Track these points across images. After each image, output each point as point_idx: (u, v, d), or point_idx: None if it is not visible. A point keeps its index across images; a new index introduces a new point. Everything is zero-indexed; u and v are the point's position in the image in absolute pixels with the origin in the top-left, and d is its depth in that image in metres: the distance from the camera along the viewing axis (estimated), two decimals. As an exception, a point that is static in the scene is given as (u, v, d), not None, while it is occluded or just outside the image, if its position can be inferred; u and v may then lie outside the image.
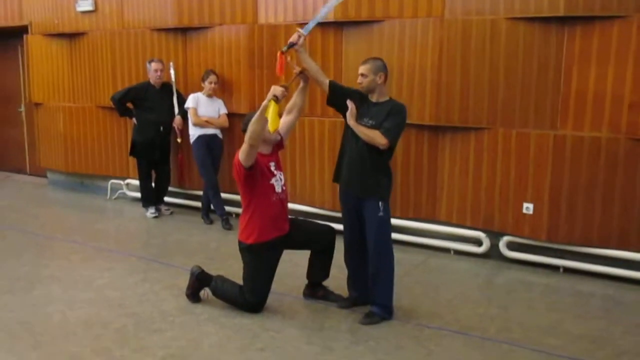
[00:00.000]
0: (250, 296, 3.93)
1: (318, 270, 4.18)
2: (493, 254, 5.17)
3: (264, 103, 3.60)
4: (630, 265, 4.62)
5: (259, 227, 3.85)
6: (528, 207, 4.90)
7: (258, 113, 3.59)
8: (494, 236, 5.15)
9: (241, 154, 3.67)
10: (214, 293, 4.08)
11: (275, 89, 3.62)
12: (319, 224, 4.27)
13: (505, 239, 5.08)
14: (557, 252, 4.91)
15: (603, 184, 4.62)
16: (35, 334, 3.64)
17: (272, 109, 3.59)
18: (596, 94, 4.58)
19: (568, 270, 4.86)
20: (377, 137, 3.66)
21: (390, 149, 3.81)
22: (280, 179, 3.95)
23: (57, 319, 3.87)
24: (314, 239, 4.12)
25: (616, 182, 4.58)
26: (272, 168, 3.91)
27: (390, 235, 3.95)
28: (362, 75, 3.80)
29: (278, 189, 3.90)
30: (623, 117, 4.50)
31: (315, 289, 4.23)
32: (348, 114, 3.80)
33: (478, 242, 5.22)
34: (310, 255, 4.18)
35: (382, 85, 3.82)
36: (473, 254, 5.23)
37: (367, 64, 3.80)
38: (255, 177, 3.77)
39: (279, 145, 4.09)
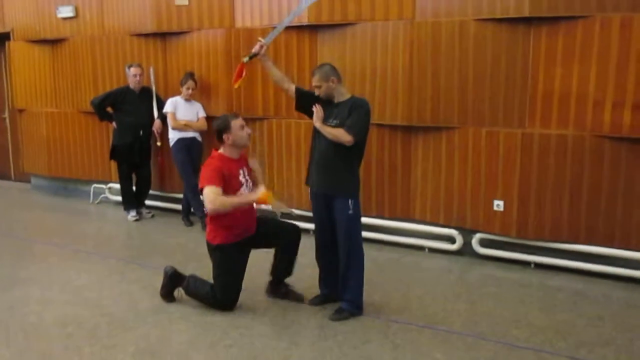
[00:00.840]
0: (220, 294, 4.01)
1: (282, 267, 4.24)
2: (466, 251, 5.26)
3: (251, 198, 3.82)
4: (598, 260, 4.71)
5: (225, 231, 3.94)
6: (499, 205, 5.00)
7: (239, 201, 3.80)
8: (467, 233, 5.24)
9: (210, 206, 3.75)
10: (187, 292, 4.16)
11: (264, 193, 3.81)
12: (284, 222, 4.35)
13: (478, 236, 5.17)
14: (528, 248, 5.01)
15: (570, 180, 4.72)
16: (9, 333, 3.71)
17: (271, 198, 3.82)
18: (562, 92, 4.68)
19: (539, 266, 4.95)
20: (341, 135, 3.74)
21: (358, 147, 3.88)
22: (249, 187, 4.01)
23: (33, 319, 3.93)
24: (280, 237, 4.19)
25: (583, 178, 4.68)
26: (241, 176, 3.98)
27: (359, 233, 4.01)
28: (316, 87, 3.91)
29: None
30: (588, 115, 4.61)
31: (278, 286, 4.29)
32: (314, 116, 3.90)
33: (451, 240, 5.31)
34: (275, 252, 4.25)
35: (337, 87, 3.90)
36: (447, 252, 5.32)
37: (316, 74, 3.90)
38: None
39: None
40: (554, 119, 4.75)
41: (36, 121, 7.85)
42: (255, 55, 4.07)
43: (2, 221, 6.59)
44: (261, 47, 4.06)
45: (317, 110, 3.88)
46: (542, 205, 4.84)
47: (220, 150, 4.01)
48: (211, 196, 3.72)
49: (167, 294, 4.22)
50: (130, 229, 6.32)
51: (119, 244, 5.84)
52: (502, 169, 4.94)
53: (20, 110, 8.05)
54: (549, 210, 4.82)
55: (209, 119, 6.25)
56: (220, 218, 3.90)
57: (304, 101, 4.04)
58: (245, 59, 4.09)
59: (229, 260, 3.98)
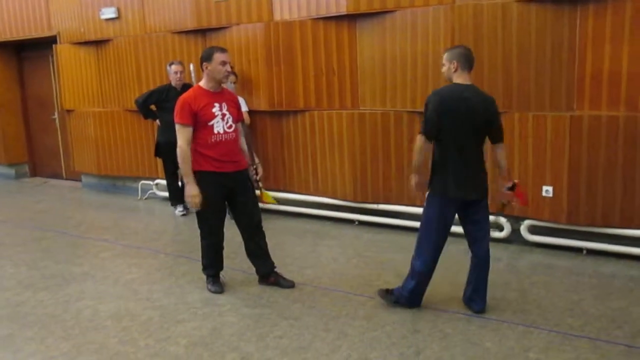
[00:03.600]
0: (200, 225, 4.22)
1: (260, 263, 4.39)
2: (515, 238, 5.17)
3: (189, 181, 4.06)
4: (654, 245, 4.57)
5: (200, 159, 4.05)
6: (548, 190, 4.88)
7: (185, 175, 4.05)
8: (515, 221, 5.14)
9: (177, 137, 4.02)
10: (202, 263, 4.41)
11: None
12: (258, 205, 4.37)
13: (527, 222, 5.07)
14: (579, 234, 4.88)
15: (622, 163, 4.57)
16: (66, 327, 3.84)
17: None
18: (612, 72, 4.53)
19: (591, 252, 4.83)
20: None
21: (439, 142, 3.67)
22: (225, 121, 4.07)
23: (88, 312, 4.06)
24: (246, 210, 4.25)
25: (636, 160, 4.52)
26: (215, 109, 4.04)
27: (425, 226, 3.84)
28: (442, 64, 3.78)
29: (219, 129, 4.04)
30: (640, 95, 4.45)
31: (266, 276, 4.40)
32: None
33: (499, 227, 5.22)
34: (245, 248, 4.39)
35: (455, 73, 3.68)
36: (495, 239, 5.20)
37: (445, 52, 3.77)
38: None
39: (236, 105, 4.24)
40: (604, 100, 4.60)
41: (84, 121, 8.08)
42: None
43: (56, 219, 6.82)
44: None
45: None
46: (594, 190, 4.70)
47: (199, 83, 4.13)
48: (182, 138, 3.99)
49: (213, 282, 4.35)
50: (177, 224, 6.45)
51: (167, 239, 5.97)
52: (551, 154, 4.81)
53: (69, 111, 8.30)
54: (601, 194, 4.68)
55: (251, 113, 6.30)
56: (196, 149, 4.04)
57: None
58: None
59: (208, 188, 4.05)
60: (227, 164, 4.09)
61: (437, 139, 3.67)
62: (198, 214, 4.21)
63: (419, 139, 3.67)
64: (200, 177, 4.07)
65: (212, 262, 4.35)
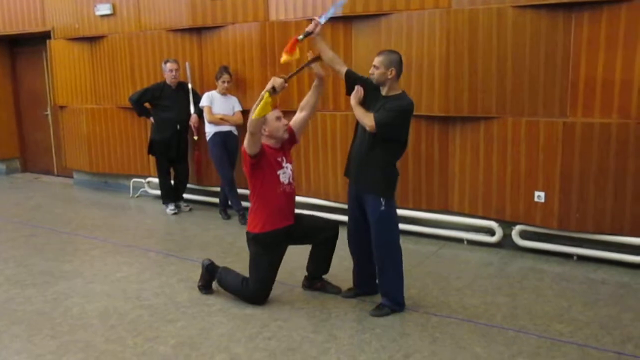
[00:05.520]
0: (253, 286, 4.02)
1: (319, 264, 4.25)
2: (506, 243, 5.17)
3: (262, 93, 3.70)
4: (644, 252, 4.58)
5: (265, 217, 3.94)
6: (539, 196, 4.89)
7: (256, 103, 3.71)
8: (507, 225, 5.14)
9: (245, 142, 3.80)
10: (219, 283, 4.21)
11: (275, 80, 3.71)
12: (324, 219, 4.33)
13: (518, 227, 5.07)
14: (570, 240, 4.89)
15: (614, 170, 4.58)
16: (54, 324, 3.81)
17: (264, 99, 3.65)
18: (605, 79, 4.54)
19: (582, 258, 4.83)
20: (367, 119, 3.69)
21: (393, 144, 3.77)
22: (288, 172, 4.03)
23: (76, 311, 4.03)
24: (317, 233, 4.16)
25: (628, 168, 4.54)
26: (280, 159, 4.00)
27: (394, 230, 3.90)
28: (375, 66, 3.75)
29: (284, 180, 3.98)
30: (633, 103, 4.46)
31: (313, 280, 4.31)
32: (353, 93, 3.85)
33: (491, 232, 5.22)
34: (312, 247, 4.23)
35: (393, 80, 3.74)
36: (486, 244, 5.24)
37: (381, 56, 3.75)
38: (261, 166, 3.88)
39: (290, 141, 4.15)
40: (596, 107, 4.62)
41: (77, 117, 8.03)
42: (310, 34, 3.96)
43: (46, 216, 6.77)
44: (316, 25, 3.96)
45: (357, 89, 3.85)
46: (585, 196, 4.71)
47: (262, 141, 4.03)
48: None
49: (205, 286, 4.28)
50: (169, 223, 6.42)
51: (158, 237, 5.93)
52: (543, 160, 4.82)
53: (62, 107, 8.25)
54: (592, 201, 4.69)
55: (244, 112, 6.27)
56: (260, 207, 3.93)
57: (352, 85, 3.91)
58: (300, 37, 3.98)
59: (265, 250, 3.97)
60: (288, 216, 4.03)
61: (399, 142, 3.82)
62: (252, 265, 4.04)
63: (369, 126, 3.68)
64: (259, 239, 3.97)
65: (251, 297, 4.15)
